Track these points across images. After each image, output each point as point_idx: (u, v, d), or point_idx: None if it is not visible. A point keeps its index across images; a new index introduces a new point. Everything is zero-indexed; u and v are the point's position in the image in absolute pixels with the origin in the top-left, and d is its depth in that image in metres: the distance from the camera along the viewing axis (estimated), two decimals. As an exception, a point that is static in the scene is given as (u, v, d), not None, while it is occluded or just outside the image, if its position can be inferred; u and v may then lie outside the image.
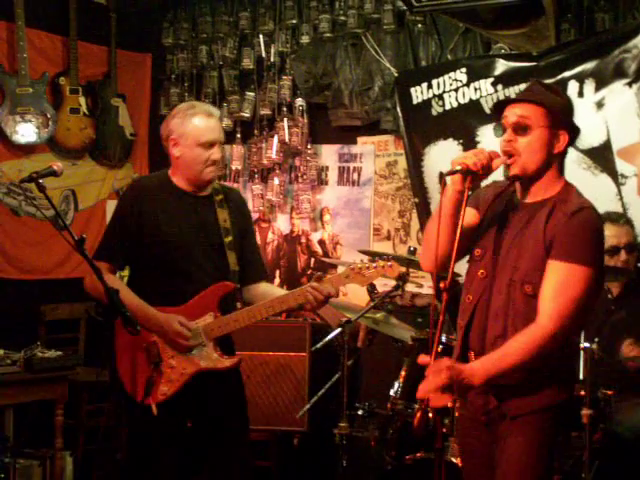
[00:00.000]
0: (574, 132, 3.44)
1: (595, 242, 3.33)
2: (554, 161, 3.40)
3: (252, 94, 7.01)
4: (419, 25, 6.16)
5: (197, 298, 4.20)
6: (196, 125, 4.23)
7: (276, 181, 6.94)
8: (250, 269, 4.43)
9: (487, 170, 3.35)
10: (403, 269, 4.68)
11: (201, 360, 4.19)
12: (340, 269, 4.35)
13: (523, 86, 5.37)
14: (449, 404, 3.22)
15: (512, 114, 3.40)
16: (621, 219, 4.95)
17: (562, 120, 3.38)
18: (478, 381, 3.24)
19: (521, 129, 3.37)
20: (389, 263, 4.13)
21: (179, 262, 4.21)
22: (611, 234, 4.74)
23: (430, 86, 5.87)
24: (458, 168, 3.33)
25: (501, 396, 3.38)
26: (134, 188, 4.44)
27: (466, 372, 3.21)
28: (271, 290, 4.43)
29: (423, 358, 3.26)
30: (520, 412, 3.35)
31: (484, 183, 3.58)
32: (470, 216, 3.53)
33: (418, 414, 3.37)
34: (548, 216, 3.34)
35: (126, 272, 4.49)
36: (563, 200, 3.36)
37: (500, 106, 3.50)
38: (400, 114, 6.07)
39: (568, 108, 3.46)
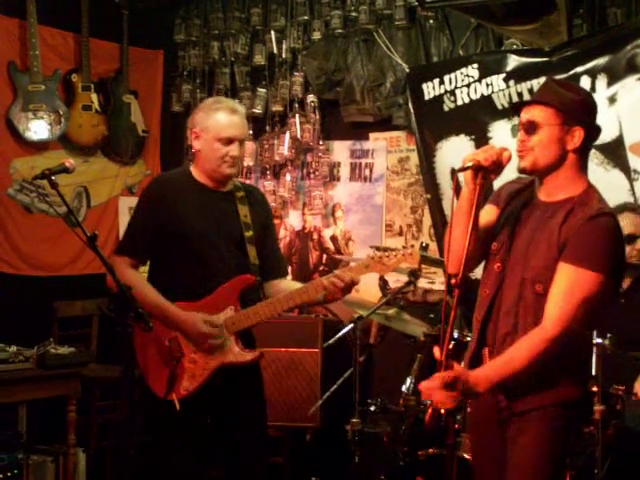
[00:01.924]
0: (592, 129, 3.44)
1: (609, 249, 3.32)
2: (569, 158, 3.40)
3: (264, 90, 7.01)
4: (431, 21, 6.16)
5: (217, 292, 4.20)
6: (218, 120, 4.23)
7: (288, 177, 6.95)
8: (271, 266, 4.44)
9: (498, 165, 3.36)
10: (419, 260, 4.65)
11: (223, 354, 4.19)
12: (352, 264, 4.32)
13: (535, 82, 5.39)
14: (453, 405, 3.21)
15: (523, 115, 3.44)
16: (638, 209, 4.94)
17: (575, 117, 3.37)
18: (482, 389, 3.24)
19: (531, 128, 3.39)
20: (409, 250, 4.11)
21: (200, 256, 4.22)
22: (629, 222, 4.73)
23: (442, 82, 5.88)
24: (469, 164, 3.34)
25: (511, 395, 3.38)
26: (156, 183, 4.48)
27: (471, 381, 3.22)
28: (293, 286, 4.42)
29: (437, 351, 3.27)
30: (530, 407, 3.36)
31: (496, 183, 3.58)
32: (491, 214, 3.57)
33: (430, 410, 3.37)
34: (565, 217, 3.34)
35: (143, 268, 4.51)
36: (583, 203, 3.36)
37: (517, 108, 3.52)
38: (412, 110, 6.07)
39: (584, 105, 3.43)
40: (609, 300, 3.42)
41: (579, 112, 3.39)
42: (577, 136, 3.37)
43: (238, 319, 4.19)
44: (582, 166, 3.45)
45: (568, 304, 3.25)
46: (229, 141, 4.22)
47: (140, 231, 4.31)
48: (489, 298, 3.48)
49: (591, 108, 3.46)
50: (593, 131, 3.44)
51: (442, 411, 3.17)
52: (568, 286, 3.27)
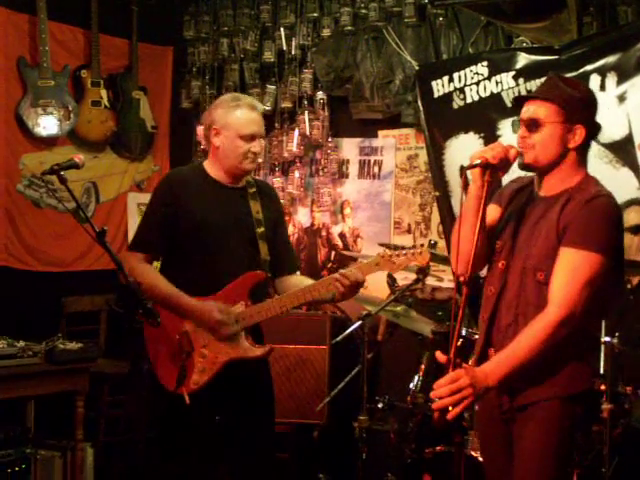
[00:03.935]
0: (593, 126, 3.44)
1: (609, 229, 3.33)
2: (570, 154, 3.41)
3: (273, 87, 7.01)
4: (440, 18, 6.14)
5: (228, 287, 4.21)
6: (239, 117, 4.25)
7: (297, 174, 6.95)
8: (283, 261, 4.46)
9: (505, 162, 3.38)
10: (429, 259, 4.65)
11: (233, 349, 4.19)
12: (362, 260, 4.33)
13: (545, 80, 5.36)
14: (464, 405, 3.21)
15: (525, 111, 3.47)
16: None
17: (577, 115, 3.39)
18: (493, 382, 3.23)
19: (533, 126, 3.41)
20: (419, 250, 4.12)
21: (212, 251, 4.23)
22: (636, 214, 4.72)
23: (451, 79, 5.86)
24: (477, 162, 3.35)
25: (514, 392, 3.38)
26: (169, 178, 4.47)
27: (479, 376, 3.21)
28: (304, 282, 4.42)
29: (440, 355, 3.28)
30: (532, 401, 3.36)
31: (505, 179, 3.58)
32: (494, 212, 3.57)
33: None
34: (563, 205, 3.36)
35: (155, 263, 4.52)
36: (580, 189, 3.38)
37: (520, 102, 3.53)
38: (421, 107, 6.06)
39: (586, 102, 3.45)
40: (612, 284, 3.41)
41: (581, 110, 3.41)
42: (578, 134, 3.39)
43: (248, 315, 4.20)
44: (581, 162, 3.47)
45: (572, 287, 3.25)
46: (251, 138, 4.25)
47: (153, 226, 4.32)
48: (494, 297, 3.49)
49: (592, 105, 3.48)
50: (594, 128, 3.46)
51: (450, 408, 3.17)
52: (570, 269, 3.27)
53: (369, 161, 6.77)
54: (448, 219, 5.97)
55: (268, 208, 4.41)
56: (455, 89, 5.86)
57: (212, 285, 4.21)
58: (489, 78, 5.69)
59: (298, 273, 4.60)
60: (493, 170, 3.36)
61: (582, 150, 3.45)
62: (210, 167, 4.35)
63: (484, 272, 3.68)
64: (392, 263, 4.13)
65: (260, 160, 6.88)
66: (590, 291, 3.27)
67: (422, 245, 4.17)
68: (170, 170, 5.01)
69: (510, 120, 5.62)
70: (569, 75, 5.15)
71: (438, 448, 4.69)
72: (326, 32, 6.71)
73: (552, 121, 3.38)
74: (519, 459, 3.40)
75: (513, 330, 3.37)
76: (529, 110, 3.45)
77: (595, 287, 3.27)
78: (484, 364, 3.34)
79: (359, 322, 4.86)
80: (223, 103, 4.36)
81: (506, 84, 5.62)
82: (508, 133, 5.59)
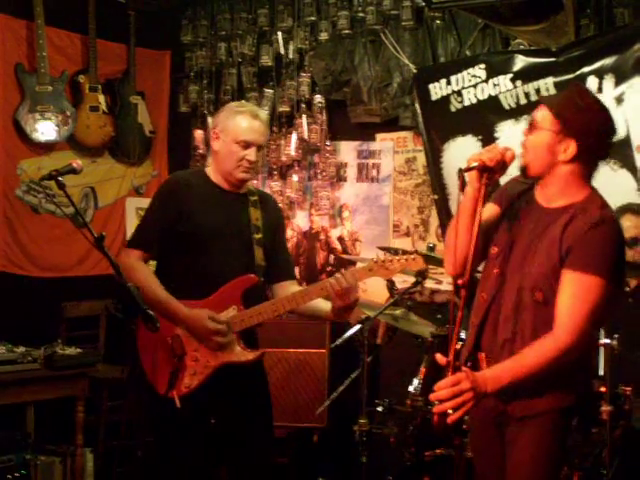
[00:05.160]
0: (589, 150, 3.35)
1: (614, 256, 3.30)
2: (563, 168, 3.35)
3: (271, 91, 7.01)
4: (438, 21, 6.14)
5: (220, 291, 4.21)
6: (238, 123, 4.25)
7: (295, 178, 6.95)
8: (280, 268, 4.47)
9: (502, 165, 3.36)
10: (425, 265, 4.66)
11: (224, 353, 4.19)
12: (359, 265, 4.34)
13: (542, 82, 5.37)
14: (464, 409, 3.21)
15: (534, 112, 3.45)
16: None
17: (573, 129, 3.31)
18: (491, 389, 3.23)
19: (531, 128, 3.40)
20: (412, 256, 4.12)
21: (208, 255, 4.23)
22: (632, 225, 4.71)
23: (449, 82, 5.86)
24: (474, 164, 3.34)
25: (510, 398, 3.38)
26: (172, 180, 4.48)
27: (479, 380, 3.21)
28: (299, 289, 4.43)
29: (440, 357, 3.27)
30: (529, 413, 3.36)
31: (502, 180, 3.59)
32: (491, 211, 3.55)
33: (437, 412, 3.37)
34: (567, 224, 3.32)
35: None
36: (584, 209, 3.32)
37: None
38: (419, 110, 6.06)
39: (587, 122, 3.34)
40: (614, 305, 3.41)
41: (579, 126, 3.32)
42: (570, 149, 3.32)
43: (240, 318, 4.20)
44: (582, 176, 3.40)
45: (579, 313, 3.24)
46: (247, 145, 4.24)
47: (154, 225, 4.33)
48: (486, 303, 3.48)
49: (595, 129, 3.36)
50: (590, 152, 3.37)
51: (449, 412, 3.16)
52: (577, 294, 3.25)
53: (367, 164, 6.76)
54: (447, 222, 5.96)
55: (268, 217, 4.41)
56: (453, 92, 5.86)
57: (206, 288, 4.21)
58: (487, 81, 5.69)
59: (295, 281, 4.61)
60: (490, 173, 3.36)
61: (581, 166, 3.37)
62: (212, 172, 4.37)
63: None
64: (385, 269, 4.14)
65: (261, 166, 6.98)
66: (597, 315, 3.26)
67: (416, 251, 4.17)
68: (173, 173, 5.02)
69: (508, 122, 5.62)
70: (566, 77, 5.17)
71: (438, 451, 4.69)
72: (324, 36, 6.71)
73: (545, 127, 3.35)
74: (512, 466, 3.40)
75: (509, 347, 3.36)
76: (536, 111, 3.44)
77: (601, 310, 3.27)
78: (485, 370, 3.34)
79: (358, 325, 4.85)
80: (227, 108, 4.39)
81: (504, 86, 5.62)
82: (506, 135, 5.59)
